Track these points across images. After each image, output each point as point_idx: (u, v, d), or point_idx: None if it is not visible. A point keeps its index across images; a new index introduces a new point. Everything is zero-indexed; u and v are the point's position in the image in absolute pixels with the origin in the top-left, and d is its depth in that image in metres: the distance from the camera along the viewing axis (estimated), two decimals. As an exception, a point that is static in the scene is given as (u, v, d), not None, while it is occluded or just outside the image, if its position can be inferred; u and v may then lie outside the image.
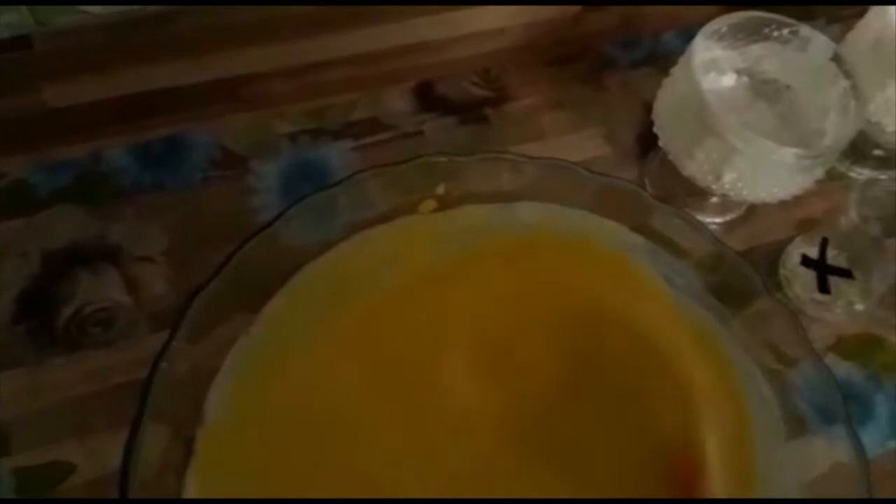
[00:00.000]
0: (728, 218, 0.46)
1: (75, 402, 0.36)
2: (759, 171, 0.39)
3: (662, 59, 0.50)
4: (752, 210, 0.46)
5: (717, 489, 0.33)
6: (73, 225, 0.40)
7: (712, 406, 0.35)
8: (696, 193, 0.43)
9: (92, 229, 0.40)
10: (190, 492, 0.30)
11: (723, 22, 0.40)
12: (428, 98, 0.47)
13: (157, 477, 0.30)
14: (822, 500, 0.33)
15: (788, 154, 0.37)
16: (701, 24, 0.40)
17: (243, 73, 0.43)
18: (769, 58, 0.42)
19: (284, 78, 0.44)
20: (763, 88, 0.43)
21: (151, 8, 0.38)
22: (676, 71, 0.41)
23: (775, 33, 0.41)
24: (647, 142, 0.47)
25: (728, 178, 0.39)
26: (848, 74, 0.40)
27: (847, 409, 0.33)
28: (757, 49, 0.42)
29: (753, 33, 0.41)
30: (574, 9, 0.47)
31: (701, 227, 0.35)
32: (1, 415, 0.36)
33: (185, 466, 0.31)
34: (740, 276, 0.35)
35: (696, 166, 0.40)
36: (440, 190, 0.35)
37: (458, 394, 0.35)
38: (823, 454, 0.34)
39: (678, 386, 0.36)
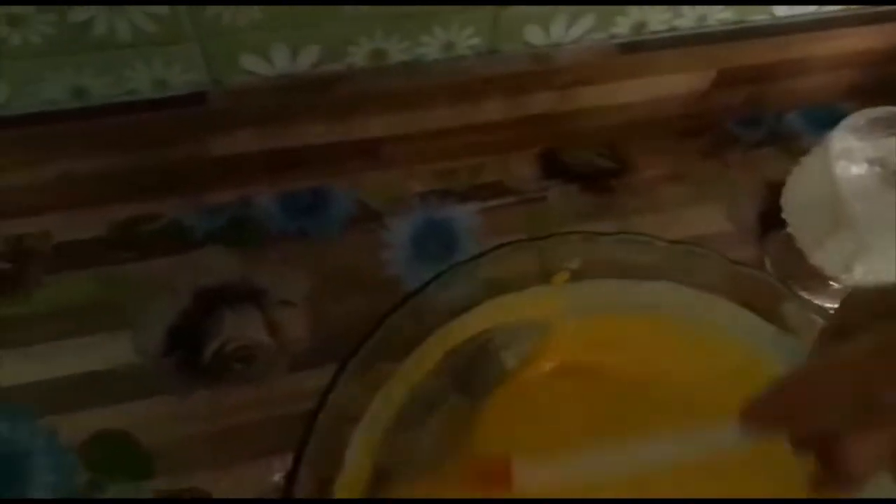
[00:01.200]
0: (849, 304, 0.46)
1: (216, 434, 0.39)
2: (892, 265, 0.39)
3: (785, 139, 0.51)
4: (875, 298, 0.46)
5: None
6: (221, 266, 0.43)
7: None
8: (817, 277, 0.43)
9: (239, 271, 0.43)
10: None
11: (862, 116, 0.40)
12: (552, 165, 0.49)
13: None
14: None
15: (925, 252, 0.37)
16: (825, 107, 0.41)
17: (384, 135, 0.45)
18: (901, 147, 0.43)
19: (419, 141, 0.46)
20: (894, 179, 0.43)
21: (317, 71, 0.41)
22: (809, 160, 0.42)
23: (913, 127, 0.41)
24: (768, 221, 0.47)
25: (859, 270, 0.39)
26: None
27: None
28: (891, 141, 0.42)
29: (891, 126, 0.42)
30: (702, 85, 0.48)
31: (825, 313, 0.36)
32: (148, 439, 0.38)
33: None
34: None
35: (825, 256, 0.40)
36: (574, 264, 0.37)
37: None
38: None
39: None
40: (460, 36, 0.42)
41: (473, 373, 0.37)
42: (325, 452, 0.33)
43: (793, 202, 0.42)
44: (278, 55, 0.41)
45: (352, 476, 0.33)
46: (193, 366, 0.40)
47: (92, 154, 0.41)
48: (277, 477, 0.37)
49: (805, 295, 0.45)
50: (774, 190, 0.44)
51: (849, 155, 0.43)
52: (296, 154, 0.44)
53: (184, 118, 0.40)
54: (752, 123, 0.51)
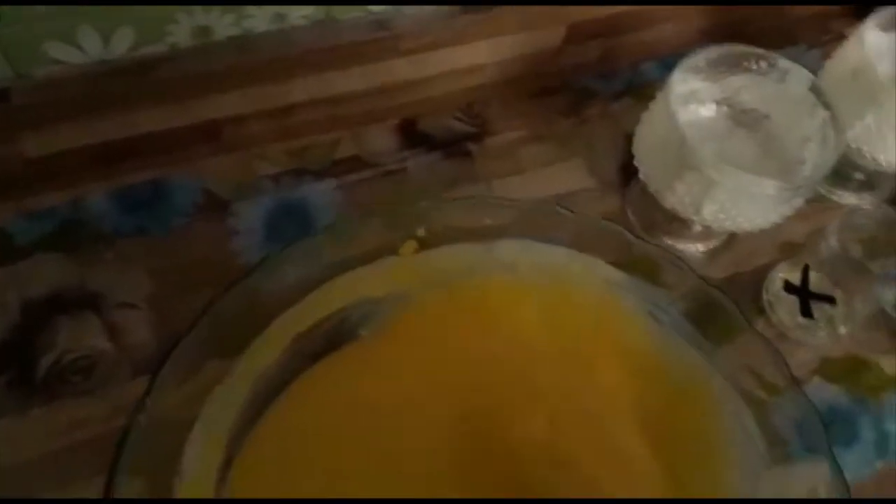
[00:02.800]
0: (711, 245, 0.46)
1: (55, 454, 0.36)
2: (738, 202, 0.39)
3: (642, 89, 0.51)
4: (735, 236, 0.46)
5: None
6: (52, 273, 0.40)
7: (685, 433, 0.36)
8: (678, 221, 0.43)
9: (72, 277, 0.40)
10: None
11: (701, 56, 0.40)
12: (411, 135, 0.47)
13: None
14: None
15: (768, 186, 0.37)
16: (678, 54, 0.40)
17: (223, 115, 0.43)
18: (748, 89, 0.43)
19: (265, 119, 0.44)
20: (742, 118, 0.43)
21: (132, 55, 0.38)
22: (655, 105, 0.41)
23: (754, 66, 0.41)
24: (629, 172, 0.47)
25: (708, 210, 0.39)
26: (826, 105, 0.40)
27: (829, 438, 0.33)
28: (736, 80, 0.42)
29: (732, 66, 0.42)
30: (554, 42, 0.47)
31: (680, 263, 0.35)
32: (-21, 468, 0.35)
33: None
34: (721, 309, 0.35)
35: (676, 199, 0.40)
36: (421, 232, 0.35)
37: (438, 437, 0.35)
38: (805, 482, 0.33)
39: (661, 423, 0.36)
40: (290, 6, 0.40)
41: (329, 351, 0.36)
42: (157, 461, 0.30)
43: (642, 148, 0.42)
44: (87, 41, 0.37)
45: (194, 483, 0.31)
46: (27, 383, 0.37)
47: None
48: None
49: (667, 240, 0.45)
50: (632, 141, 0.44)
51: (696, 97, 0.43)
52: (126, 145, 0.41)
53: (-14, 116, 0.37)
54: (609, 76, 0.51)
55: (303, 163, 0.45)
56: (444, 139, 0.47)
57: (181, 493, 0.30)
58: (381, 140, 0.47)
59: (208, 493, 0.31)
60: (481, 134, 0.48)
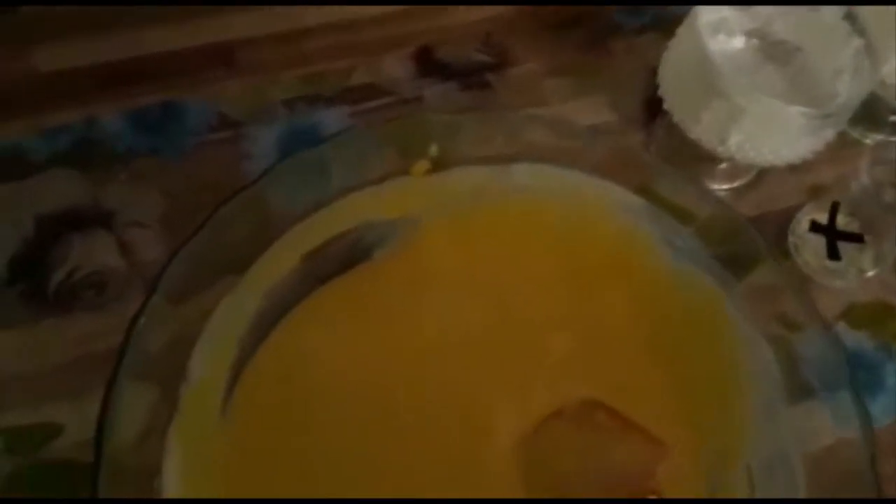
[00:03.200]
0: (736, 184, 0.45)
1: (66, 365, 0.36)
2: (765, 131, 0.37)
3: (668, 24, 0.49)
4: (761, 176, 0.45)
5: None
6: (66, 190, 0.40)
7: (700, 368, 0.35)
8: (704, 159, 0.42)
9: (85, 194, 0.40)
10: (171, 450, 0.29)
11: (731, -21, 0.39)
12: (428, 64, 0.46)
13: (142, 436, 0.29)
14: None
15: (796, 113, 0.36)
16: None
17: (237, 38, 0.42)
18: (780, 18, 0.41)
19: (279, 44, 0.43)
20: (773, 50, 0.41)
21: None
22: (682, 31, 0.40)
23: (786, -9, 0.40)
24: (654, 108, 0.45)
25: (734, 139, 0.38)
26: (861, 33, 0.38)
27: (853, 375, 0.32)
28: (767, 9, 0.40)
29: (759, -7, 0.40)
30: (578, -28, 0.46)
31: (705, 189, 0.34)
32: (-8, 376, 0.36)
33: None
34: (745, 239, 0.34)
35: (701, 129, 0.39)
36: (433, 151, 0.35)
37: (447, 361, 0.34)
38: (827, 424, 0.32)
39: (676, 355, 0.35)
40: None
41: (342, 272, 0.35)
42: (163, 366, 0.30)
43: (667, 77, 0.40)
44: (101, -50, 0.37)
45: (200, 390, 0.31)
46: (40, 296, 0.37)
47: None
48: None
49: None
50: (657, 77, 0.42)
51: (725, 26, 0.41)
52: (139, 65, 0.41)
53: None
54: (635, 10, 0.49)
55: (317, 89, 0.44)
56: (463, 69, 0.46)
57: (187, 399, 0.30)
58: (396, 68, 0.45)
59: (214, 402, 0.31)
60: (501, 65, 0.46)
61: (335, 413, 0.33)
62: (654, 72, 0.42)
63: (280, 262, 0.34)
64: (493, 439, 0.33)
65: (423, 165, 0.35)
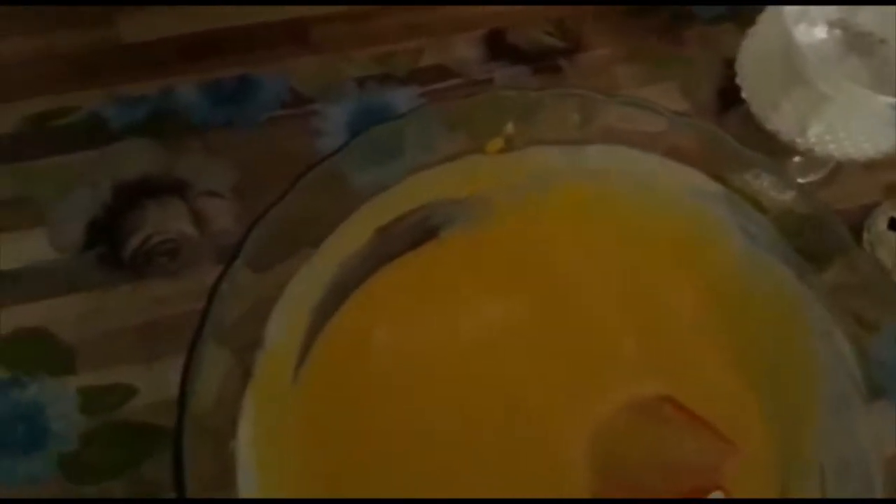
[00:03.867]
0: (810, 179, 0.44)
1: (139, 328, 0.37)
2: (849, 123, 0.36)
3: (744, 15, 0.48)
4: (836, 172, 0.44)
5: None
6: (143, 158, 0.41)
7: (774, 362, 0.34)
8: (777, 152, 0.41)
9: (161, 163, 0.40)
10: (245, 414, 0.30)
11: (816, -33, 0.38)
12: (498, 46, 0.46)
13: (217, 399, 0.30)
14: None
15: (883, 104, 0.35)
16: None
17: (312, 15, 0.42)
18: (864, 9, 0.40)
19: (352, 22, 0.44)
20: (856, 42, 0.40)
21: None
22: (763, 19, 0.39)
23: (875, -20, 0.38)
24: (726, 98, 0.45)
25: (815, 130, 0.37)
26: (952, 25, 0.37)
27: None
28: (852, -2, 0.39)
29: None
30: (654, -42, 0.45)
31: (788, 177, 0.33)
32: (68, 336, 0.36)
33: (242, 391, 0.31)
34: (828, 231, 0.33)
35: (780, 118, 0.38)
36: (509, 129, 0.34)
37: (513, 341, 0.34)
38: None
39: (747, 348, 0.35)
40: None
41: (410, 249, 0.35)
42: (240, 331, 0.31)
43: (746, 64, 0.39)
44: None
45: (274, 356, 0.31)
46: (115, 260, 0.38)
47: (-5, 39, 0.38)
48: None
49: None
50: (732, 67, 0.41)
51: (807, 16, 0.40)
52: (216, 38, 0.41)
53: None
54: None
55: (388, 68, 0.44)
56: (534, 53, 0.46)
57: (262, 364, 0.30)
58: (467, 50, 0.46)
59: (287, 369, 0.32)
60: (573, 50, 0.46)
61: (399, 390, 0.33)
62: (726, 62, 0.42)
63: (354, 236, 0.34)
64: (558, 431, 0.33)
65: (496, 143, 0.35)
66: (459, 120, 0.34)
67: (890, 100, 0.35)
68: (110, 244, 0.38)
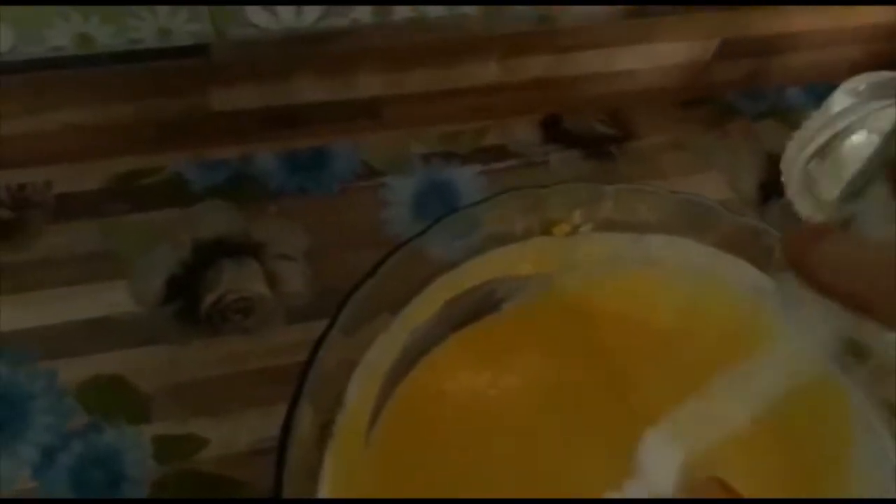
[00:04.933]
0: (846, 272, 0.46)
1: (213, 382, 0.39)
2: (885, 228, 0.39)
3: (786, 113, 0.51)
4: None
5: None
6: (222, 219, 0.43)
7: (817, 451, 0.36)
8: (816, 245, 0.44)
9: (239, 225, 0.43)
10: (327, 470, 0.31)
11: (862, 80, 0.41)
12: (554, 131, 0.49)
13: (301, 455, 0.31)
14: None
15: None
16: (827, 84, 0.41)
17: (386, 94, 0.46)
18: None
19: (423, 103, 0.47)
20: (893, 147, 0.43)
21: (317, 27, 0.42)
22: (809, 124, 0.42)
23: (914, 94, 0.42)
24: (768, 190, 0.47)
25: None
26: None
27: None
28: (892, 111, 0.42)
29: (891, 94, 0.42)
30: (705, 56, 0.49)
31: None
32: (144, 385, 0.38)
33: (320, 449, 0.32)
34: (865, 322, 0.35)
35: (820, 215, 0.40)
36: (577, 216, 0.37)
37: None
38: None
39: (785, 429, 0.36)
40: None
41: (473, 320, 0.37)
42: (325, 392, 0.33)
43: (791, 164, 0.42)
44: (283, 8, 0.41)
45: (351, 418, 0.33)
46: (192, 315, 0.40)
47: (95, 103, 0.41)
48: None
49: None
50: (774, 161, 0.44)
51: (848, 122, 0.43)
52: (296, 112, 0.44)
53: (186, 69, 0.41)
54: (754, 96, 0.52)
55: (452, 147, 0.47)
56: (587, 138, 0.49)
57: (342, 423, 0.32)
58: (525, 132, 0.49)
59: (361, 431, 0.33)
60: (624, 137, 0.49)
61: (462, 451, 0.35)
62: (769, 157, 0.45)
63: (427, 305, 0.36)
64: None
65: (564, 228, 0.37)
66: (532, 206, 0.36)
67: (930, 207, 0.37)
68: (188, 300, 0.41)
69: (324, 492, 0.31)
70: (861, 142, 0.43)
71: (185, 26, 0.40)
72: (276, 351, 0.39)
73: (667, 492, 0.29)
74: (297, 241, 0.43)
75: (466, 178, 0.46)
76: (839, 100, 0.40)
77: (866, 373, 0.36)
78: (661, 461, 0.35)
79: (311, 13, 0.41)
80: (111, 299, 0.40)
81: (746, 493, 0.35)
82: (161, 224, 0.43)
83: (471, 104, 0.48)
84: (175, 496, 0.36)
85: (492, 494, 0.34)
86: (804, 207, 0.42)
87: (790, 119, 0.44)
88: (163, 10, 0.39)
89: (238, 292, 0.41)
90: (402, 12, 0.43)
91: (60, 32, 0.39)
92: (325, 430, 0.33)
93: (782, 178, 0.43)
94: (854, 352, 0.36)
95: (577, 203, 0.36)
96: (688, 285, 0.38)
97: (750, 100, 0.51)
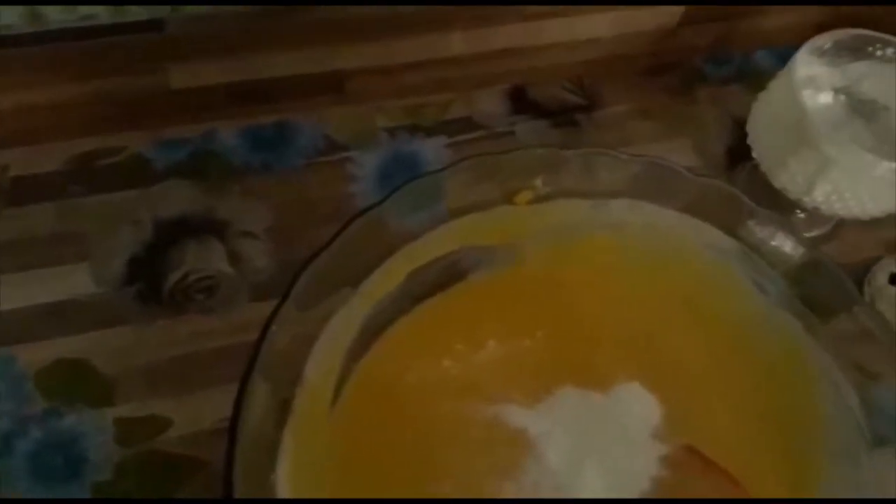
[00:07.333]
0: (814, 234, 0.46)
1: (175, 362, 0.38)
2: (854, 184, 0.39)
3: (753, 77, 0.51)
4: (839, 228, 0.46)
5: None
6: (184, 198, 0.42)
7: (783, 409, 0.36)
8: (783, 207, 0.43)
9: (201, 203, 0.42)
10: (286, 448, 0.31)
11: (827, 38, 0.40)
12: (520, 101, 0.48)
13: (258, 432, 0.31)
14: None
15: (886, 168, 0.37)
16: (793, 45, 0.41)
17: (349, 67, 0.45)
18: (870, 77, 0.42)
19: (386, 76, 0.46)
20: (860, 107, 0.43)
21: (274, -1, 0.41)
22: (775, 84, 0.42)
23: (879, 52, 0.41)
24: (736, 155, 0.47)
25: (821, 190, 0.39)
26: (951, 95, 0.40)
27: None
28: (858, 67, 0.42)
29: (856, 51, 0.41)
30: (669, 23, 0.48)
31: (796, 233, 0.35)
32: (107, 368, 0.38)
33: (280, 425, 0.32)
34: (834, 283, 0.35)
35: (788, 177, 0.40)
36: (538, 182, 0.36)
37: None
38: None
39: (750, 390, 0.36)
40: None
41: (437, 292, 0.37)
42: (282, 368, 0.32)
43: (757, 126, 0.42)
44: (239, -20, 0.40)
45: (312, 394, 0.33)
46: (154, 296, 0.40)
47: (49, 83, 0.40)
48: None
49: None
50: (742, 125, 0.44)
51: (815, 83, 0.42)
52: (258, 87, 0.44)
53: (142, 45, 0.40)
54: (721, 61, 0.51)
55: (417, 119, 0.47)
56: (553, 108, 0.48)
57: (301, 400, 0.32)
58: (490, 103, 0.48)
59: (324, 405, 0.33)
60: (590, 106, 0.49)
61: (426, 424, 0.35)
62: (736, 121, 0.44)
63: (388, 278, 0.35)
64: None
65: (526, 195, 0.37)
66: (492, 173, 0.36)
67: (892, 164, 0.37)
68: (150, 280, 0.40)
69: (282, 470, 0.30)
70: (828, 101, 0.43)
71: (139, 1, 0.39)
72: (240, 328, 0.39)
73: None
74: (260, 219, 0.42)
75: (432, 151, 0.46)
76: (803, 60, 0.40)
77: (830, 333, 0.36)
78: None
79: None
80: (72, 282, 0.40)
81: (718, 460, 0.35)
82: (121, 205, 0.42)
83: (435, 76, 0.47)
84: (138, 478, 0.36)
85: (459, 468, 0.34)
86: (771, 170, 0.42)
87: (757, 83, 0.43)
88: (114, -16, 0.38)
89: (201, 271, 0.41)
90: (361, -18, 0.42)
91: (10, 9, 0.38)
92: (285, 407, 0.32)
93: (748, 142, 0.42)
94: (819, 312, 0.36)
95: (538, 169, 0.36)
96: (653, 249, 0.37)
97: (717, 65, 0.51)
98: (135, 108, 0.43)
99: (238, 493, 0.27)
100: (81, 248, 0.40)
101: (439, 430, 0.34)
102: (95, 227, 0.41)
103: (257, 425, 0.31)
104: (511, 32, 0.46)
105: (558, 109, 0.48)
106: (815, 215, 0.44)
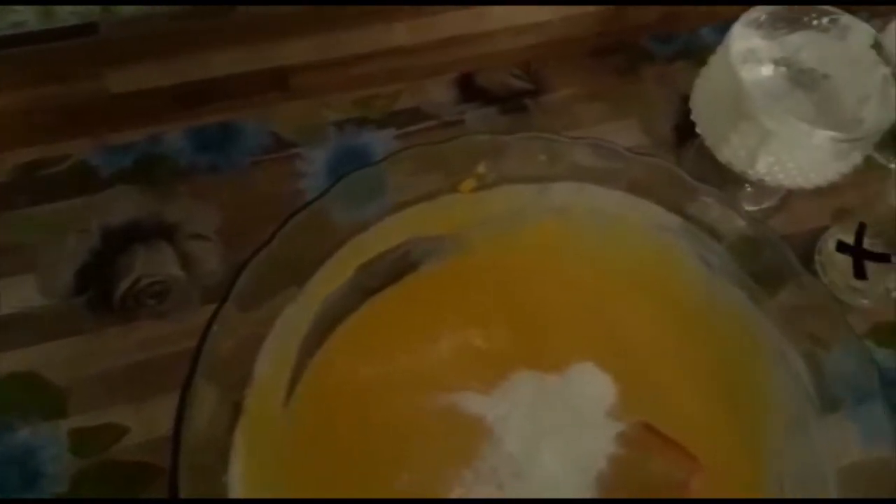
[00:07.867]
0: (763, 206, 0.46)
1: (129, 369, 0.38)
2: (794, 154, 0.39)
3: (699, 53, 0.51)
4: (788, 199, 0.47)
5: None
6: (131, 204, 0.42)
7: (733, 382, 0.36)
8: (731, 181, 0.44)
9: (149, 208, 0.42)
10: (238, 449, 0.31)
11: (762, 10, 0.41)
12: (469, 89, 0.48)
13: (207, 434, 0.31)
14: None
15: (824, 137, 0.38)
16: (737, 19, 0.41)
17: (293, 63, 0.45)
18: (808, 47, 0.43)
19: (332, 69, 0.46)
20: (800, 77, 0.43)
21: (210, -2, 0.41)
22: (714, 59, 0.42)
23: (815, 22, 0.42)
24: (683, 132, 0.48)
25: (763, 162, 0.40)
26: (888, 61, 0.40)
27: (884, 388, 0.33)
28: (796, 38, 0.43)
29: (792, 22, 0.42)
30: (614, 3, 0.48)
31: (739, 207, 0.36)
32: (59, 379, 0.38)
33: (231, 426, 0.32)
34: (778, 257, 0.35)
35: (731, 151, 0.41)
36: (481, 168, 0.37)
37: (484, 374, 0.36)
38: (857, 438, 0.34)
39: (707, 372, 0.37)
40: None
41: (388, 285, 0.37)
42: (230, 369, 0.32)
43: (699, 102, 0.42)
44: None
45: (263, 394, 0.33)
46: (105, 304, 0.40)
47: (-16, 94, 0.40)
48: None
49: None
50: (688, 103, 0.44)
51: (754, 56, 0.43)
52: (201, 88, 0.43)
53: (75, 51, 0.39)
54: (666, 39, 0.52)
55: (365, 112, 0.47)
56: (502, 94, 0.48)
57: (252, 400, 0.32)
58: (439, 93, 0.48)
59: (277, 404, 0.33)
60: (538, 91, 0.49)
61: (382, 419, 0.35)
62: (683, 98, 0.45)
63: (337, 273, 0.35)
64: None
65: (470, 183, 0.37)
66: (435, 162, 0.36)
67: (829, 133, 0.37)
68: (100, 289, 0.40)
69: (235, 470, 0.30)
70: (768, 74, 0.43)
71: (69, 6, 0.39)
72: (193, 332, 0.38)
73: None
74: (210, 220, 0.42)
75: (382, 143, 0.46)
76: (739, 33, 0.40)
77: (777, 305, 0.36)
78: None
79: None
80: (19, 295, 0.39)
81: (674, 435, 0.35)
82: (67, 214, 0.41)
83: (382, 68, 0.47)
84: (95, 489, 0.35)
85: (416, 459, 0.34)
86: (715, 145, 0.42)
87: (702, 59, 0.43)
88: (43, -10, 0.38)
89: (152, 276, 0.40)
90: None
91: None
92: (237, 409, 0.32)
93: (692, 118, 0.43)
94: (765, 285, 0.37)
95: (480, 156, 0.36)
96: (599, 231, 0.38)
97: (662, 43, 0.51)
98: (75, 116, 0.42)
99: (185, 495, 0.27)
100: (27, 260, 0.40)
101: (396, 423, 0.35)
102: (41, 238, 0.41)
103: (205, 428, 0.31)
104: (455, 20, 0.46)
105: (507, 95, 0.48)
106: (761, 188, 0.44)
